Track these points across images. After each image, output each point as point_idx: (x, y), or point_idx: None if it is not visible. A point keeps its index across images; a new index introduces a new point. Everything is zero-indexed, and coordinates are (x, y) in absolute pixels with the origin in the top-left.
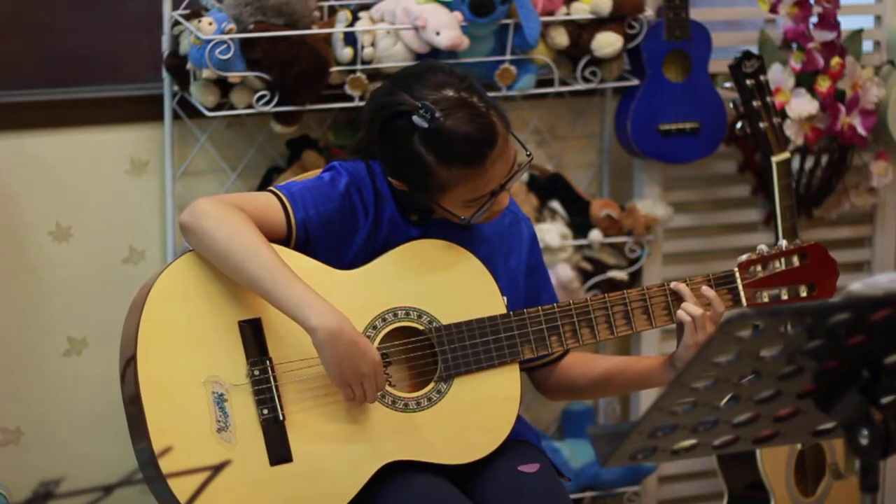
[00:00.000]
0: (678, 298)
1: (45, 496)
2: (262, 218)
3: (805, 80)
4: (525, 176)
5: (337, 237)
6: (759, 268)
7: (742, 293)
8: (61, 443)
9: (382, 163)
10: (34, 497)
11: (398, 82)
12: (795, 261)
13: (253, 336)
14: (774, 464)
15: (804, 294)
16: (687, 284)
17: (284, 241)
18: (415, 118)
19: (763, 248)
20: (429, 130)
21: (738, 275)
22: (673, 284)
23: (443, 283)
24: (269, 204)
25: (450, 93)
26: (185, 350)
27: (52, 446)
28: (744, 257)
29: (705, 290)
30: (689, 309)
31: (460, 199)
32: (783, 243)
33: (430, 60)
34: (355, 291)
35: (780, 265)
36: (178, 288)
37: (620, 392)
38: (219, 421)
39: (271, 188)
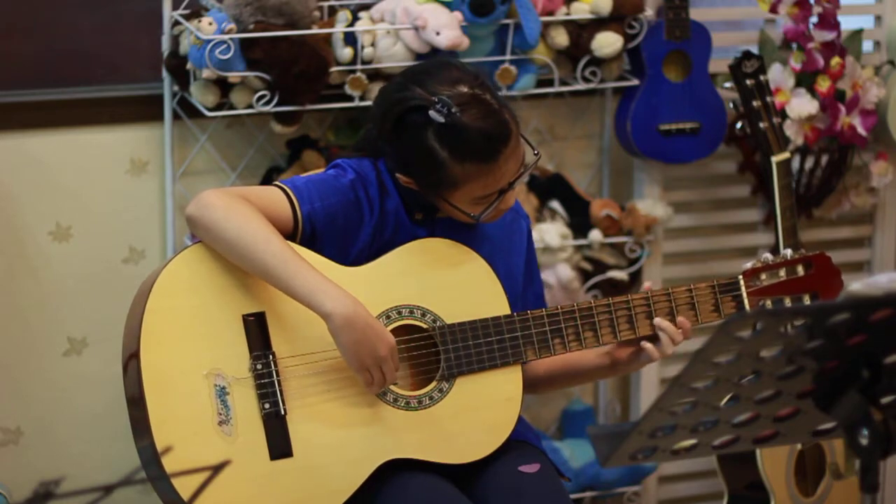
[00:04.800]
0: (682, 303)
1: (45, 496)
2: (268, 211)
3: (805, 80)
4: (525, 175)
5: (342, 232)
6: (763, 276)
7: (746, 301)
8: (61, 443)
9: (393, 159)
10: (34, 497)
11: (411, 78)
12: (800, 270)
13: (257, 330)
14: (774, 464)
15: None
16: (691, 289)
17: (290, 236)
18: (431, 112)
19: (768, 256)
20: (444, 125)
21: (742, 282)
22: (657, 321)
23: (448, 282)
24: (274, 197)
25: (464, 89)
26: (189, 342)
27: (52, 446)
28: (748, 265)
29: (681, 320)
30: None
31: (470, 195)
32: (788, 252)
33: (442, 57)
34: (360, 288)
35: (784, 274)
36: (183, 280)
37: (571, 382)
38: (220, 414)
39: (276, 182)
